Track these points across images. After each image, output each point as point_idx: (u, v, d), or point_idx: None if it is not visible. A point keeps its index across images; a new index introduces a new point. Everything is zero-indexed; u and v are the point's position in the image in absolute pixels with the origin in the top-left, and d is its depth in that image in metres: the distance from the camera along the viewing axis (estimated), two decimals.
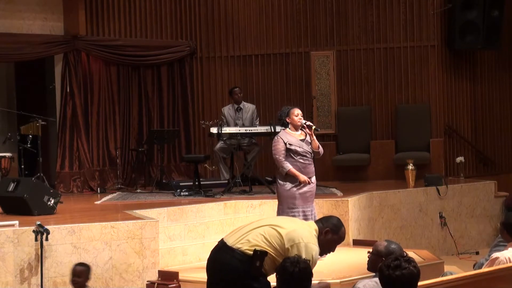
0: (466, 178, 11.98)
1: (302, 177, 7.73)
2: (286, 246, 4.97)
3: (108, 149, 11.64)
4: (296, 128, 7.88)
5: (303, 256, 4.86)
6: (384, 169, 11.91)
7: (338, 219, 5.30)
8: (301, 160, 7.78)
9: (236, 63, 12.47)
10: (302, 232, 5.04)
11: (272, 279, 5.05)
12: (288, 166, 7.72)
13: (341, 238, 5.22)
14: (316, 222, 5.27)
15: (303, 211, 7.70)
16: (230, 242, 5.08)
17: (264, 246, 4.99)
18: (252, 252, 4.96)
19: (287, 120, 7.91)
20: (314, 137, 7.86)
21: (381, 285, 3.98)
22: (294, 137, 7.84)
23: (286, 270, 4.47)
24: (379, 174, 11.91)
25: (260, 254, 4.94)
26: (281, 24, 12.42)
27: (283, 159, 7.74)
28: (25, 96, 12.40)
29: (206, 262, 5.28)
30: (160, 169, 11.37)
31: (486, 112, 12.89)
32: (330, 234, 5.14)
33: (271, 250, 4.99)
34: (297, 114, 7.87)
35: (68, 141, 11.29)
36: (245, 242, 5.02)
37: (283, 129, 7.99)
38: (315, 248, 5.01)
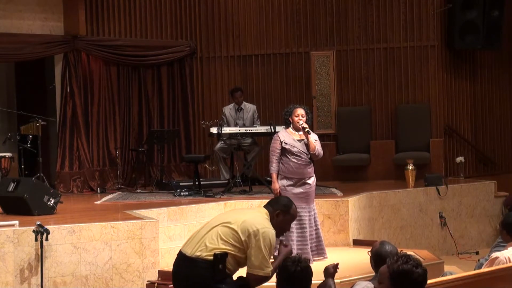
0: (466, 178, 11.97)
1: (274, 185, 7.95)
2: (243, 238, 5.00)
3: (108, 149, 11.64)
4: (296, 128, 7.89)
5: (261, 243, 4.93)
6: (384, 169, 11.91)
7: (288, 199, 5.38)
8: (294, 160, 7.83)
9: (236, 63, 12.47)
10: (253, 220, 5.07)
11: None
12: (273, 170, 7.93)
13: (293, 216, 5.30)
14: (265, 206, 5.29)
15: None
16: (188, 252, 5.07)
17: (222, 247, 5.00)
18: (212, 257, 4.97)
19: (290, 119, 7.94)
20: (313, 139, 7.83)
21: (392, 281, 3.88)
22: (291, 137, 7.87)
23: (287, 269, 4.48)
24: (379, 174, 11.91)
25: (220, 257, 4.96)
26: (281, 24, 12.42)
27: (275, 160, 7.89)
28: (25, 96, 12.39)
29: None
30: (160, 169, 11.37)
31: (486, 112, 12.89)
32: (282, 216, 5.20)
33: (230, 248, 5.01)
34: (297, 114, 7.86)
35: (68, 141, 11.29)
36: (203, 249, 5.02)
37: (284, 128, 8.00)
38: (270, 231, 5.04)
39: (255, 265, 4.96)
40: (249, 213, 5.32)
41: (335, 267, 4.91)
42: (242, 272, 5.17)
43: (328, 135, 12.14)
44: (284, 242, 5.36)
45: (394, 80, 12.29)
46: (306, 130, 7.84)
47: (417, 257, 4.07)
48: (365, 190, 10.18)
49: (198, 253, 5.01)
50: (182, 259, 5.12)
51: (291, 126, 7.94)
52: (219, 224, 5.13)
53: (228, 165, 11.10)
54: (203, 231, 5.16)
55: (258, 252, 4.96)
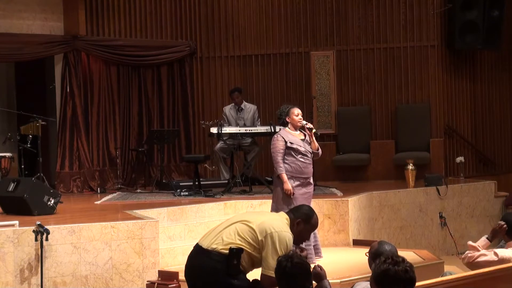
0: (466, 178, 11.98)
1: (287, 186, 7.62)
2: (260, 238, 5.03)
3: (108, 149, 11.64)
4: (295, 128, 7.85)
5: (277, 245, 4.95)
6: (384, 169, 11.91)
7: (309, 208, 5.36)
8: (301, 160, 7.71)
9: (236, 63, 12.47)
10: (273, 222, 5.11)
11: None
12: (282, 170, 7.64)
13: (313, 226, 5.31)
14: (287, 213, 5.32)
15: None
16: (205, 244, 5.12)
17: (238, 242, 5.04)
18: (228, 251, 5.01)
19: (287, 120, 7.83)
20: (314, 138, 7.83)
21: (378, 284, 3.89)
22: (295, 137, 7.78)
23: (280, 265, 4.51)
24: (379, 174, 11.91)
25: (236, 252, 5.00)
26: (281, 24, 12.42)
27: (281, 160, 7.67)
28: (25, 96, 12.39)
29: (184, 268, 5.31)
30: (160, 169, 11.37)
31: (486, 112, 12.89)
32: (302, 224, 5.21)
33: (246, 245, 5.04)
34: (297, 114, 7.80)
35: (68, 141, 11.29)
36: (219, 242, 5.07)
37: (283, 128, 7.92)
38: (287, 235, 5.07)
39: (270, 266, 4.94)
40: (270, 216, 5.38)
41: (321, 267, 4.93)
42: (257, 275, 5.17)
43: (328, 135, 12.14)
44: (300, 247, 5.35)
45: (394, 80, 12.29)
46: (314, 131, 7.81)
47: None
48: (365, 190, 10.18)
49: (214, 246, 5.06)
50: (197, 251, 5.17)
51: (289, 126, 7.86)
52: (238, 221, 5.18)
53: (228, 165, 11.10)
54: (221, 226, 5.22)
55: (274, 254, 4.96)
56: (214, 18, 12.46)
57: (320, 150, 7.86)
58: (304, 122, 7.82)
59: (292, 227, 5.16)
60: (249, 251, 5.04)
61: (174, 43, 12.24)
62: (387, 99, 12.29)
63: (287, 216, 5.22)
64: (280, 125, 8.02)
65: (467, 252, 5.85)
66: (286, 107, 7.91)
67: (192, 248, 5.29)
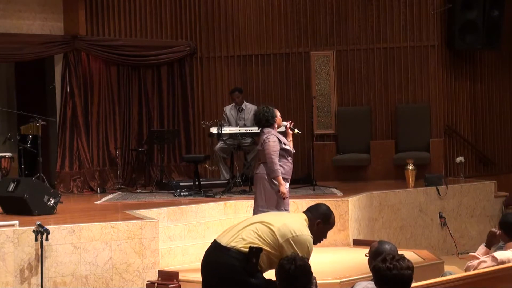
0: (466, 178, 11.98)
1: (283, 189, 7.45)
2: (280, 242, 5.01)
3: (108, 149, 11.64)
4: (278, 128, 7.77)
5: (297, 249, 4.94)
6: (384, 169, 11.91)
7: (327, 207, 5.36)
8: (290, 161, 7.65)
9: (236, 63, 12.47)
10: (293, 225, 5.09)
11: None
12: (280, 172, 7.47)
13: (331, 225, 5.32)
14: (305, 212, 5.31)
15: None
16: (224, 242, 5.11)
17: (258, 243, 5.03)
18: (247, 250, 5.00)
19: (274, 121, 7.67)
20: (291, 138, 7.83)
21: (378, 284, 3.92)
22: (283, 138, 7.68)
23: (283, 268, 4.52)
24: (379, 174, 11.91)
25: (255, 251, 4.99)
26: (281, 24, 12.42)
27: (278, 161, 7.49)
28: (25, 96, 12.39)
29: (200, 264, 5.30)
30: (160, 169, 11.37)
31: (486, 112, 12.89)
32: (322, 224, 5.22)
33: (265, 246, 5.03)
34: (279, 115, 7.79)
35: (68, 141, 11.29)
36: (239, 240, 5.05)
37: (270, 129, 7.65)
38: (308, 238, 5.06)
39: None
40: (289, 218, 5.35)
41: None
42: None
43: (328, 135, 12.14)
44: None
45: (394, 80, 12.30)
46: (296, 131, 7.81)
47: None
48: (365, 190, 10.19)
49: (233, 244, 5.05)
50: (215, 247, 5.15)
51: (274, 127, 7.69)
52: (259, 221, 5.17)
53: (228, 165, 11.11)
54: (241, 225, 5.21)
55: None
56: (214, 18, 12.47)
57: (293, 150, 7.82)
58: (285, 122, 7.83)
59: (311, 227, 5.16)
60: (268, 251, 5.02)
61: (174, 43, 12.24)
62: (387, 99, 12.29)
63: (305, 217, 5.22)
64: (267, 127, 7.66)
65: (467, 262, 5.83)
66: (272, 108, 7.75)
67: (201, 247, 5.28)
